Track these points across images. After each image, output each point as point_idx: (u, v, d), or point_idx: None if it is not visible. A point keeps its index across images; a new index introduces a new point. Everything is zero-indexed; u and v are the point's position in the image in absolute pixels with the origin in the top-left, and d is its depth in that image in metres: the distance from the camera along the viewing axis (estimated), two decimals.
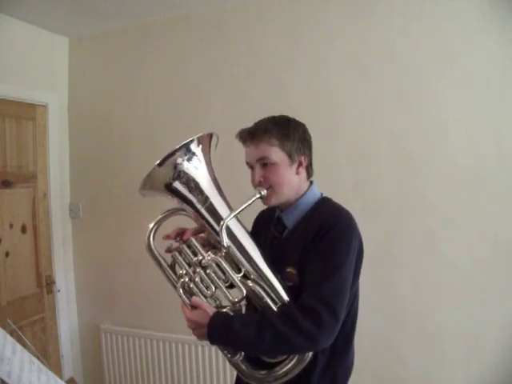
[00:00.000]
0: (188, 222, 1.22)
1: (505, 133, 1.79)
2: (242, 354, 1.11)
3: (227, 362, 2.23)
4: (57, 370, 2.49)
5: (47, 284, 2.50)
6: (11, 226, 2.30)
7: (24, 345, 0.97)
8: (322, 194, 1.23)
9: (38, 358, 0.98)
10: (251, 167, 1.17)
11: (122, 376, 2.54)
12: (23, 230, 2.37)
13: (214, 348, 2.19)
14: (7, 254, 2.27)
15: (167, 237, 1.20)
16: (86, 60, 2.61)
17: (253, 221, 1.38)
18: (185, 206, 1.15)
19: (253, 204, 1.12)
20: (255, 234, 1.32)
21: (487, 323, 1.83)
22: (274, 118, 1.17)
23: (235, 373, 2.39)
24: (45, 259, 2.50)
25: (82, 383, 2.67)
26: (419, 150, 1.90)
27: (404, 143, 1.93)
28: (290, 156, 1.13)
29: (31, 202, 2.43)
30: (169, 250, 1.19)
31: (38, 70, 2.43)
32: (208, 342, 1.07)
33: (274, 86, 2.15)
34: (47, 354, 2.46)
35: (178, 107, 2.37)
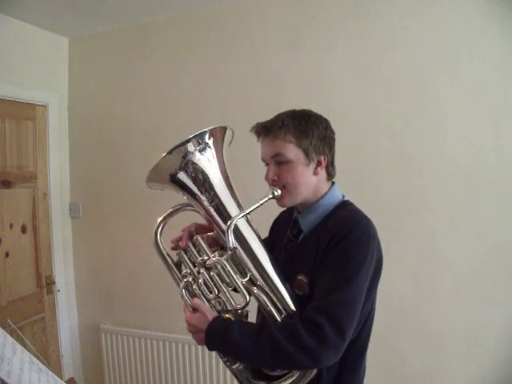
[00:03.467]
0: (198, 219, 1.17)
1: (504, 133, 1.78)
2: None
3: None
4: (57, 370, 2.49)
5: (47, 284, 2.50)
6: (11, 226, 2.30)
7: (24, 345, 0.97)
8: (343, 196, 1.15)
9: (38, 357, 0.98)
10: (266, 164, 1.09)
11: (122, 376, 2.54)
12: (23, 229, 2.37)
13: None
14: (7, 254, 2.27)
15: (174, 247, 1.15)
16: (86, 60, 2.61)
17: (266, 222, 1.31)
18: (192, 201, 1.09)
19: (269, 205, 1.05)
20: (273, 236, 1.26)
21: (487, 323, 1.83)
22: (293, 112, 1.09)
23: None
24: (45, 259, 2.50)
25: (81, 383, 2.67)
26: (419, 149, 1.90)
27: (404, 143, 1.93)
28: (307, 154, 1.04)
29: (31, 202, 2.43)
30: (175, 248, 1.14)
31: (38, 70, 2.43)
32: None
33: (273, 85, 2.15)
34: (47, 353, 2.46)
35: (177, 107, 2.37)
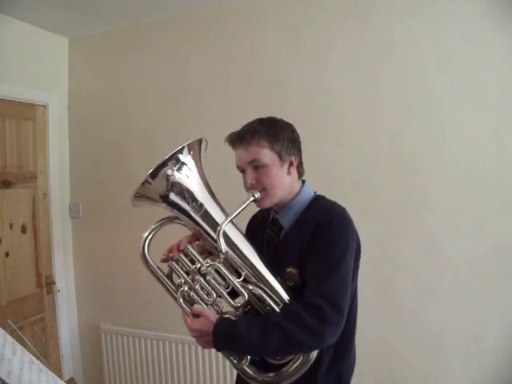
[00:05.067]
0: (183, 230, 1.21)
1: (504, 133, 1.78)
2: (248, 358, 1.09)
3: (227, 362, 2.23)
4: (57, 370, 2.49)
5: (47, 284, 2.50)
6: (11, 226, 2.30)
7: (24, 345, 0.97)
8: (315, 192, 1.23)
9: (38, 357, 0.98)
10: (242, 171, 1.16)
11: (122, 376, 2.54)
12: (23, 229, 2.37)
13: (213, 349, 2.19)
14: (7, 254, 2.27)
15: (165, 259, 1.19)
16: (86, 60, 2.61)
17: (246, 225, 1.36)
18: (179, 214, 1.14)
19: (247, 207, 1.11)
20: (250, 237, 1.31)
21: (487, 323, 1.83)
22: (261, 119, 1.17)
23: (235, 372, 2.38)
24: (45, 259, 2.50)
25: (81, 383, 2.66)
26: (419, 150, 1.90)
27: (404, 143, 1.93)
28: (280, 157, 1.13)
29: (31, 202, 2.43)
30: (165, 260, 1.18)
31: (38, 70, 2.43)
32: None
33: (273, 85, 2.15)
34: (47, 353, 2.46)
35: (177, 107, 2.37)
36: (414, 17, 1.89)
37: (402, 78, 1.93)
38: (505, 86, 1.77)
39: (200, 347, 2.21)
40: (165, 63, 2.40)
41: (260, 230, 1.27)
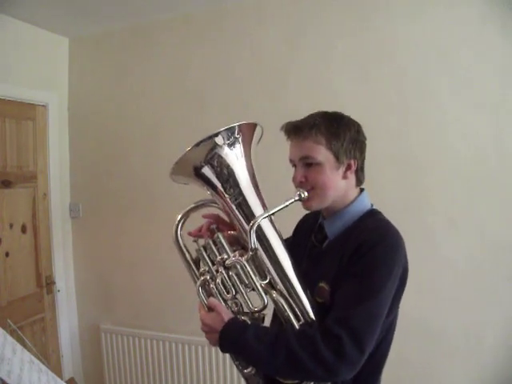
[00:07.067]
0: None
1: (505, 133, 1.78)
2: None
3: (227, 362, 2.23)
4: (57, 370, 2.49)
5: (47, 284, 2.50)
6: (11, 226, 2.30)
7: (24, 345, 0.97)
8: (372, 205, 1.12)
9: (38, 357, 0.98)
10: (294, 165, 1.06)
11: (122, 376, 2.54)
12: (23, 229, 2.37)
13: (214, 349, 2.19)
14: (7, 254, 2.27)
15: (196, 232, 1.13)
16: (86, 60, 2.62)
17: (291, 225, 1.28)
18: (216, 197, 1.06)
19: (295, 207, 1.02)
20: (296, 238, 1.23)
21: (487, 323, 1.83)
22: (325, 113, 1.05)
23: (235, 373, 2.39)
24: (45, 259, 2.50)
25: (81, 383, 2.66)
26: (419, 150, 1.90)
27: (404, 143, 1.93)
28: (337, 157, 1.01)
29: (31, 202, 2.43)
30: (196, 240, 1.12)
31: (38, 70, 2.43)
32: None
33: (274, 85, 2.15)
34: (47, 353, 2.46)
35: (178, 107, 2.37)
36: (414, 17, 1.89)
37: (402, 77, 1.93)
38: (505, 87, 1.77)
39: (200, 347, 2.22)
40: (165, 63, 2.40)
41: (307, 233, 1.17)
